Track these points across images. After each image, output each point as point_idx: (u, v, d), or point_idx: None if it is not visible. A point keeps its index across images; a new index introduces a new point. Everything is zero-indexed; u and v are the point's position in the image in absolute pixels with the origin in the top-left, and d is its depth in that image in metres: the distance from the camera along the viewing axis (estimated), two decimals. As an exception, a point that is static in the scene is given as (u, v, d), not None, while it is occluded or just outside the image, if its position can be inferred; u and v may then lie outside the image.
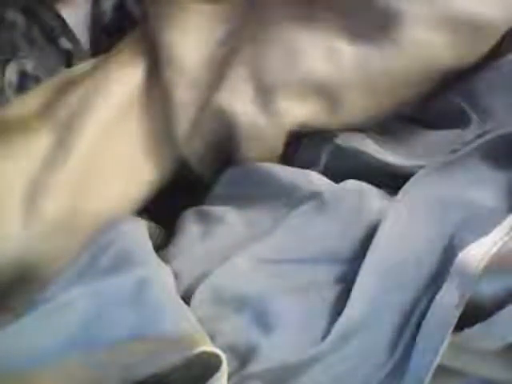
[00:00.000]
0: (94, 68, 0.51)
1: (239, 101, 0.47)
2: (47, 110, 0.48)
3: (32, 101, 0.49)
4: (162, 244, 0.45)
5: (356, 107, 0.47)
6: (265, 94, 0.47)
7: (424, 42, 0.45)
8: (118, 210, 0.47)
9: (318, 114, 0.47)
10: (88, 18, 0.57)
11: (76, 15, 0.56)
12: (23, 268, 0.44)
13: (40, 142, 0.47)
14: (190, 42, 0.49)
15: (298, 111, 0.47)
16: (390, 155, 0.44)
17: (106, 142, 0.48)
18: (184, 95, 0.48)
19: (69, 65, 0.55)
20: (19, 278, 0.44)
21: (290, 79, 0.46)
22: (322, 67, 0.46)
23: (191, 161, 0.49)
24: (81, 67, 0.52)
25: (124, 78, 0.49)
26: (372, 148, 0.45)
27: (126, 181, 0.48)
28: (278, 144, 0.48)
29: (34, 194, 0.45)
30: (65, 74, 0.52)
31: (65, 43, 0.55)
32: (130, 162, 0.48)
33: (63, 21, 0.56)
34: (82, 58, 0.54)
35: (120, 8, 0.58)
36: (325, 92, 0.46)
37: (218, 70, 0.48)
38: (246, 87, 0.47)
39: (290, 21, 0.47)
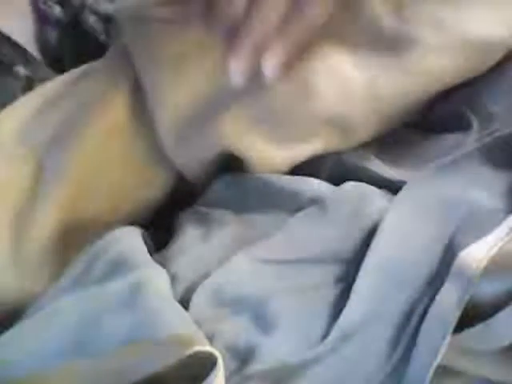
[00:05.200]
0: (73, 90, 0.49)
1: (247, 137, 0.45)
2: (26, 132, 0.47)
3: (7, 123, 0.48)
4: (158, 246, 0.45)
5: (367, 131, 0.47)
6: (274, 129, 0.45)
7: (435, 67, 0.45)
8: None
9: (330, 144, 0.46)
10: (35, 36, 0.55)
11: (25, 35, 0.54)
12: (15, 297, 0.44)
13: (23, 170, 0.46)
14: (177, 76, 0.46)
15: (310, 146, 0.46)
16: (392, 171, 0.44)
17: (92, 168, 0.46)
18: (170, 131, 0.46)
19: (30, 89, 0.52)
20: (12, 308, 0.43)
21: (301, 114, 0.45)
22: (334, 99, 0.45)
23: (189, 178, 0.48)
24: (53, 86, 0.50)
25: (108, 103, 0.47)
26: (374, 164, 0.45)
27: (117, 207, 0.47)
28: (286, 169, 0.47)
29: (21, 223, 0.45)
30: (38, 93, 0.50)
31: (21, 70, 0.53)
32: (121, 187, 0.47)
33: (17, 46, 0.53)
34: (45, 79, 0.51)
35: (75, 26, 0.56)
36: (337, 124, 0.45)
37: (217, 103, 0.45)
38: (253, 122, 0.45)
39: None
